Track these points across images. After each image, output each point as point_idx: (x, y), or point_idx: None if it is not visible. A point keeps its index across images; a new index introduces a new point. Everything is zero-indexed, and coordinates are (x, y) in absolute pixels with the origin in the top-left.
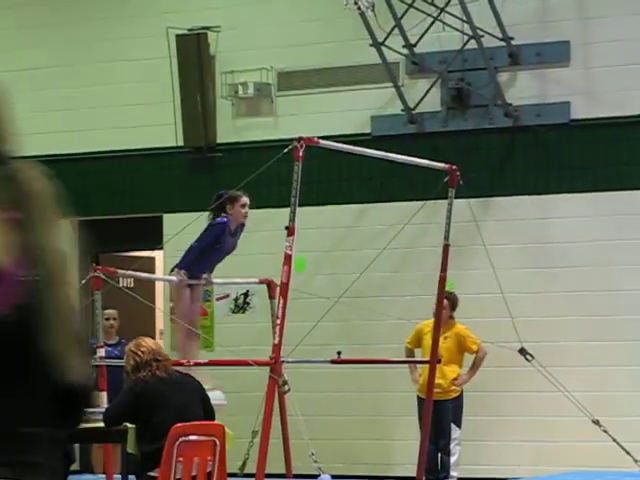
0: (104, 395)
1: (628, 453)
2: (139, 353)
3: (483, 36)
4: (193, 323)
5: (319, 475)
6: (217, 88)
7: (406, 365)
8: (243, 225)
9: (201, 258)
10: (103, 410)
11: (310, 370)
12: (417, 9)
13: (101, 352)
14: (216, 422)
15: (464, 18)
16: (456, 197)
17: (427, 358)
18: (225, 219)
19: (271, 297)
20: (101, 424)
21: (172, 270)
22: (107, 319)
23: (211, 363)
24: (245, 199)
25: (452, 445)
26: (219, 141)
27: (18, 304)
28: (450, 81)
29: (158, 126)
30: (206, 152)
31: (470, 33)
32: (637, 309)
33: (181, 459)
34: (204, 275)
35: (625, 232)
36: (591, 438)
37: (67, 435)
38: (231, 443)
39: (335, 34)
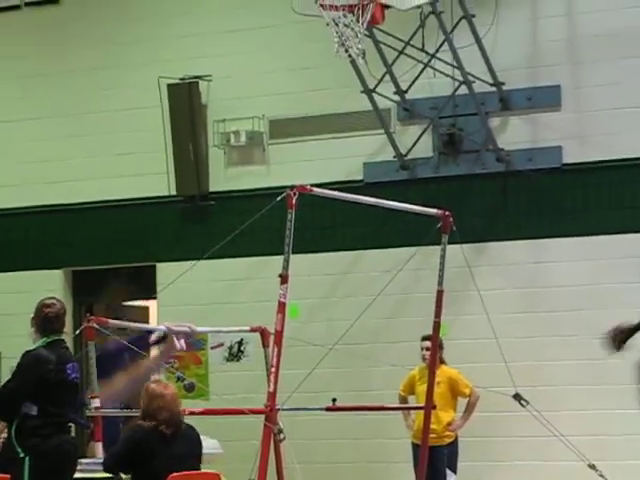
0: (99, 446)
1: None
2: (153, 404)
3: (474, 81)
4: None
5: None
6: (209, 137)
7: (401, 412)
8: None
9: None
10: (99, 461)
11: (305, 418)
12: (408, 55)
13: (97, 402)
14: (212, 471)
15: (455, 64)
16: (449, 243)
17: (420, 404)
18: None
19: (265, 345)
20: (97, 475)
21: None
22: None
23: (206, 412)
24: (163, 346)
25: None
26: (212, 189)
27: None
28: (442, 127)
29: (150, 175)
30: (199, 201)
31: (461, 79)
32: (630, 354)
33: None
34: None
35: (618, 275)
36: None
37: None
38: None
39: (326, 82)
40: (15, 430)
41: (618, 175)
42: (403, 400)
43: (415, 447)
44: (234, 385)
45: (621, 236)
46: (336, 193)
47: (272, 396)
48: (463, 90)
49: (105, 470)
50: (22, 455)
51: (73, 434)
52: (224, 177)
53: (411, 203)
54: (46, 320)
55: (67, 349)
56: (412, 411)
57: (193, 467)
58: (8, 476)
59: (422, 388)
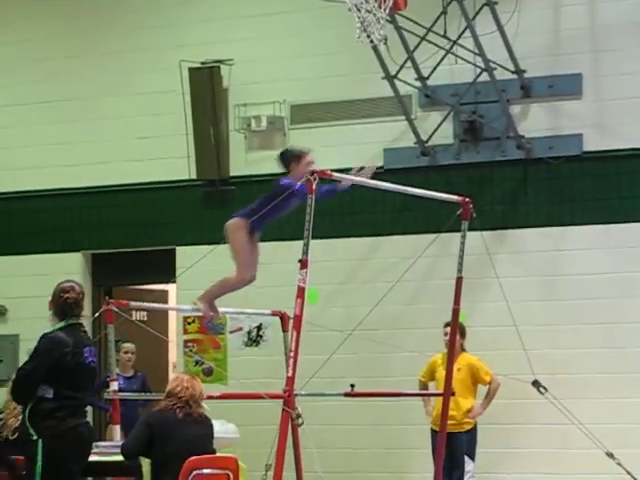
0: (117, 429)
1: None
2: (180, 386)
3: (495, 69)
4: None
5: None
6: (230, 121)
7: (420, 398)
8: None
9: (262, 214)
10: (117, 444)
11: (323, 403)
12: (429, 42)
13: (114, 385)
14: (229, 455)
15: (476, 51)
16: (469, 230)
17: (440, 391)
18: (289, 181)
19: (284, 330)
20: (115, 458)
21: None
22: (126, 352)
23: (224, 397)
24: (309, 158)
25: (466, 478)
26: (232, 174)
27: None
28: (462, 114)
29: (171, 159)
30: (219, 185)
31: (482, 66)
32: None
33: None
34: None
35: (637, 264)
36: (605, 471)
37: None
38: (244, 476)
39: (348, 67)
40: (29, 413)
41: (637, 164)
42: (423, 386)
43: (434, 433)
44: (252, 370)
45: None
46: (356, 178)
47: (290, 381)
48: (484, 77)
49: (123, 455)
50: (35, 437)
51: (89, 418)
52: (245, 162)
53: (431, 190)
54: (65, 305)
55: (85, 333)
56: (432, 397)
57: (207, 449)
58: (22, 458)
59: (442, 374)
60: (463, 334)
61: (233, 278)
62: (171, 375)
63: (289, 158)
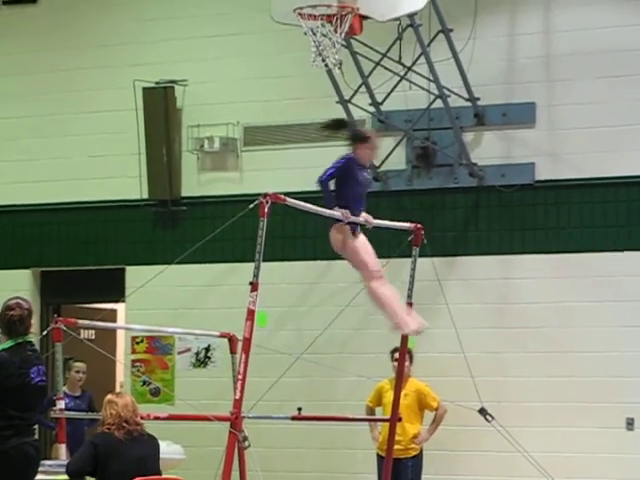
0: (63, 447)
1: None
2: (107, 410)
3: (449, 96)
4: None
5: None
6: (183, 142)
7: (366, 423)
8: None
9: (339, 195)
10: (62, 463)
11: (271, 426)
12: (384, 67)
13: (61, 404)
14: (175, 477)
15: (431, 77)
16: (420, 256)
17: (387, 416)
18: (350, 155)
19: (232, 352)
20: (60, 477)
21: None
22: (77, 371)
23: (171, 417)
24: (372, 144)
25: None
26: (184, 195)
27: None
28: (416, 140)
29: (123, 178)
30: (170, 205)
31: (436, 92)
32: (596, 371)
33: None
34: (363, 214)
35: (586, 294)
36: None
37: None
38: None
39: (302, 91)
40: None
41: (589, 194)
42: (370, 411)
43: (380, 458)
44: (200, 391)
45: (590, 255)
46: (309, 205)
47: (238, 403)
48: (438, 104)
49: (68, 474)
50: None
51: (36, 436)
52: (197, 183)
53: (383, 215)
54: (10, 322)
55: (34, 352)
56: (379, 423)
57: (153, 469)
58: None
59: (390, 400)
60: (411, 360)
61: (369, 286)
62: None
63: (356, 137)
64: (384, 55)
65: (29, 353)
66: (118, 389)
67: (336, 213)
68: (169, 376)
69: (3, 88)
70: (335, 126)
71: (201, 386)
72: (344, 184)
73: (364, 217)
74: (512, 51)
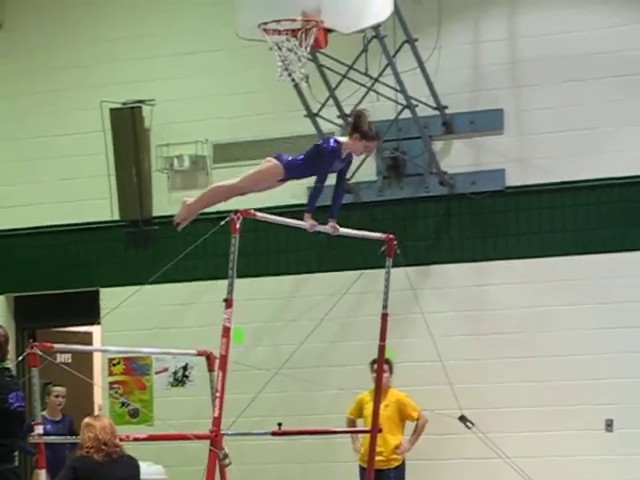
0: (43, 473)
1: None
2: (85, 434)
3: (417, 105)
4: None
5: None
6: (152, 161)
7: (348, 435)
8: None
9: (303, 165)
10: None
11: (251, 442)
12: (351, 79)
13: (39, 429)
14: None
15: (398, 88)
16: (393, 266)
17: (368, 427)
18: (335, 144)
19: (210, 370)
20: None
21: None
22: (57, 396)
23: (150, 438)
24: (373, 145)
25: None
26: (155, 214)
27: None
28: (385, 150)
29: (93, 200)
30: (142, 225)
31: (404, 102)
32: (574, 374)
33: None
34: (330, 223)
35: (561, 298)
36: None
37: None
38: None
39: (270, 106)
40: None
41: (560, 198)
42: (351, 423)
43: (362, 470)
44: (179, 410)
45: (563, 258)
46: (280, 219)
47: (217, 421)
48: (406, 114)
49: None
50: None
51: (17, 463)
52: (167, 201)
53: (355, 227)
54: None
55: (12, 377)
56: (360, 434)
57: None
58: None
59: (370, 411)
60: (391, 370)
61: (227, 183)
62: None
63: (359, 129)
64: (350, 67)
65: (7, 379)
66: (96, 412)
67: (305, 224)
68: (147, 396)
69: None
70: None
71: (180, 405)
72: (314, 160)
73: (331, 226)
74: (478, 58)
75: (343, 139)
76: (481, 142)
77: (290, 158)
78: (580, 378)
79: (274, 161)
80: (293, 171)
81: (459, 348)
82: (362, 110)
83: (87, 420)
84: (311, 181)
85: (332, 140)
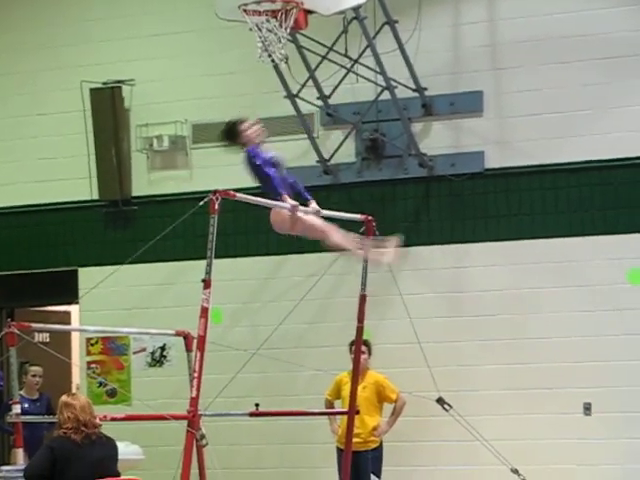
0: (20, 452)
1: None
2: (64, 413)
3: (397, 87)
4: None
5: None
6: (132, 141)
7: (325, 416)
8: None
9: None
10: (20, 468)
11: (228, 423)
12: (330, 60)
13: (17, 409)
14: (134, 477)
15: (377, 69)
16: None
17: (346, 409)
18: (249, 148)
19: (188, 350)
20: None
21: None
22: (34, 375)
23: (128, 418)
24: (247, 123)
25: None
26: (134, 194)
27: None
28: (364, 132)
29: (73, 180)
30: (121, 205)
31: (384, 84)
32: (552, 357)
33: None
34: (313, 204)
35: (539, 280)
36: None
37: None
38: None
39: (249, 86)
40: None
41: (539, 180)
42: (329, 404)
43: (340, 452)
44: (157, 390)
45: (542, 241)
46: (259, 199)
47: (194, 401)
48: (386, 95)
49: (26, 479)
50: None
51: None
52: (147, 182)
53: (334, 208)
54: None
55: None
56: (338, 416)
57: (111, 471)
58: None
59: (348, 392)
60: (370, 352)
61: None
62: None
63: (233, 136)
64: (330, 49)
65: None
66: (74, 391)
67: (285, 205)
68: (125, 376)
69: None
70: (229, 135)
71: (158, 385)
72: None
73: (313, 208)
74: (458, 40)
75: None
76: (460, 124)
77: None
78: (558, 361)
79: (287, 206)
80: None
81: (437, 330)
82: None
83: (65, 399)
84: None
85: (250, 151)
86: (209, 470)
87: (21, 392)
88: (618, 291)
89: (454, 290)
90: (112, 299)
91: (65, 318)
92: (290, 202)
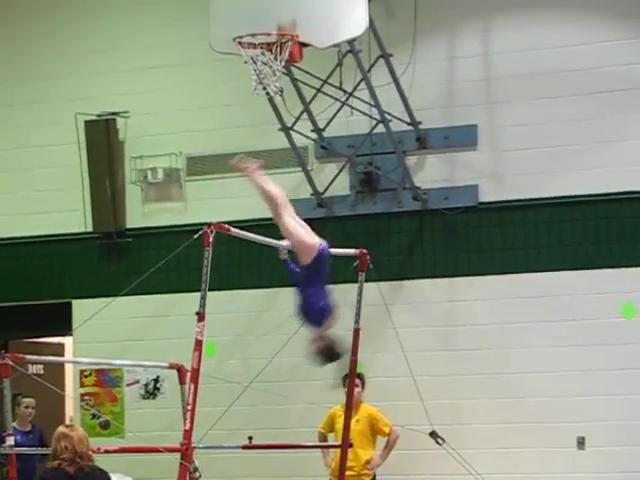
0: None
1: None
2: (61, 443)
3: (391, 120)
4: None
5: None
6: (126, 173)
7: (319, 449)
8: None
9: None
10: None
11: (222, 456)
12: (325, 94)
13: (11, 440)
14: None
15: (372, 102)
16: (366, 281)
17: (340, 442)
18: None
19: (182, 382)
20: None
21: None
22: (27, 407)
23: (121, 450)
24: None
25: None
26: (128, 226)
27: None
28: (359, 165)
29: (67, 212)
30: (116, 237)
31: (378, 117)
32: (545, 391)
33: None
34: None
35: (533, 314)
36: None
37: None
38: None
39: (244, 119)
40: None
41: (533, 214)
42: (323, 437)
43: None
44: (150, 423)
45: (536, 275)
46: (253, 236)
47: (188, 434)
48: (380, 129)
49: None
50: None
51: None
52: (141, 214)
53: (328, 241)
54: None
55: None
56: (331, 449)
57: None
58: None
59: (342, 425)
60: (363, 385)
61: (280, 210)
62: None
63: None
64: (325, 82)
65: None
66: (68, 422)
67: (282, 243)
68: (118, 409)
69: None
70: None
71: (151, 417)
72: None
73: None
74: (452, 74)
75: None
76: (455, 158)
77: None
78: (551, 395)
79: (318, 245)
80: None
81: (431, 363)
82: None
83: (62, 430)
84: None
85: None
86: None
87: (13, 424)
88: (612, 325)
89: (448, 324)
90: (106, 331)
91: (59, 350)
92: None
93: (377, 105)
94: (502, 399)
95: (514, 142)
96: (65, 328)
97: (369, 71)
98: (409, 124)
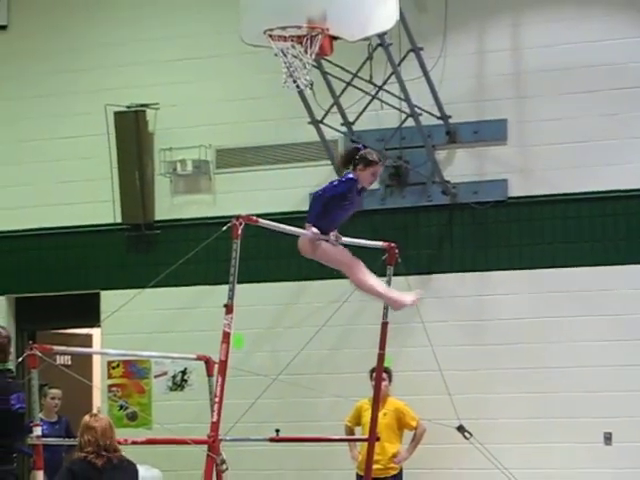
0: (40, 474)
1: None
2: (85, 436)
3: (421, 114)
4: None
5: None
6: (155, 165)
7: (346, 443)
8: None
9: (326, 214)
10: None
11: (248, 448)
12: (355, 87)
13: (38, 431)
14: None
15: (402, 96)
16: (395, 274)
17: (366, 435)
18: (354, 176)
19: (209, 375)
20: None
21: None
22: (53, 398)
23: (149, 442)
24: (379, 169)
25: None
26: (157, 218)
27: None
28: (388, 159)
29: (96, 203)
30: (144, 229)
31: (408, 111)
32: (573, 386)
33: None
34: (332, 233)
35: (561, 309)
36: None
37: None
38: None
39: (274, 112)
40: None
41: (562, 210)
42: (350, 431)
43: (359, 478)
44: (177, 414)
45: (564, 269)
46: (282, 226)
47: (215, 426)
48: (410, 122)
49: None
50: None
51: (15, 464)
52: (170, 206)
53: (357, 235)
54: None
55: (14, 379)
56: (358, 442)
57: None
58: None
59: (369, 419)
60: (390, 379)
61: (354, 280)
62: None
63: (357, 159)
64: (355, 75)
65: (9, 380)
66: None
67: (307, 232)
68: (146, 400)
69: None
70: (349, 156)
71: (178, 409)
72: (336, 205)
73: (333, 235)
74: (482, 68)
75: (354, 174)
76: (484, 152)
77: (312, 215)
78: (579, 390)
79: (308, 233)
80: (322, 224)
81: (458, 358)
82: (356, 147)
83: (86, 420)
84: (313, 188)
85: (347, 177)
86: None
87: (40, 414)
88: (639, 321)
89: (476, 318)
90: (134, 323)
91: (87, 341)
92: (312, 230)
93: (407, 99)
94: (530, 394)
95: (544, 137)
96: (93, 319)
97: (399, 65)
98: (439, 118)
